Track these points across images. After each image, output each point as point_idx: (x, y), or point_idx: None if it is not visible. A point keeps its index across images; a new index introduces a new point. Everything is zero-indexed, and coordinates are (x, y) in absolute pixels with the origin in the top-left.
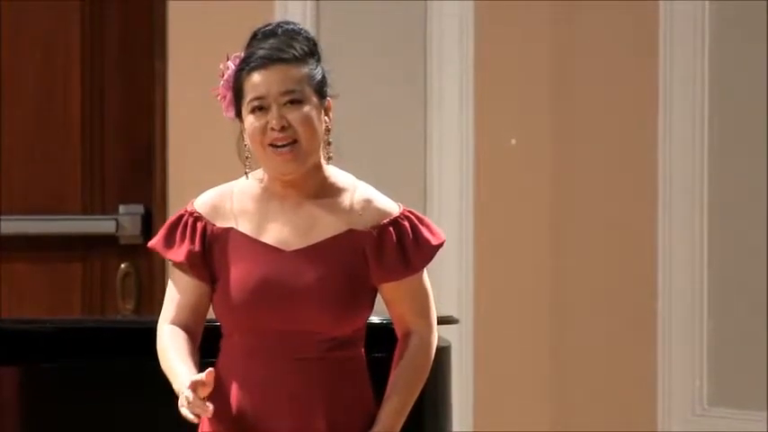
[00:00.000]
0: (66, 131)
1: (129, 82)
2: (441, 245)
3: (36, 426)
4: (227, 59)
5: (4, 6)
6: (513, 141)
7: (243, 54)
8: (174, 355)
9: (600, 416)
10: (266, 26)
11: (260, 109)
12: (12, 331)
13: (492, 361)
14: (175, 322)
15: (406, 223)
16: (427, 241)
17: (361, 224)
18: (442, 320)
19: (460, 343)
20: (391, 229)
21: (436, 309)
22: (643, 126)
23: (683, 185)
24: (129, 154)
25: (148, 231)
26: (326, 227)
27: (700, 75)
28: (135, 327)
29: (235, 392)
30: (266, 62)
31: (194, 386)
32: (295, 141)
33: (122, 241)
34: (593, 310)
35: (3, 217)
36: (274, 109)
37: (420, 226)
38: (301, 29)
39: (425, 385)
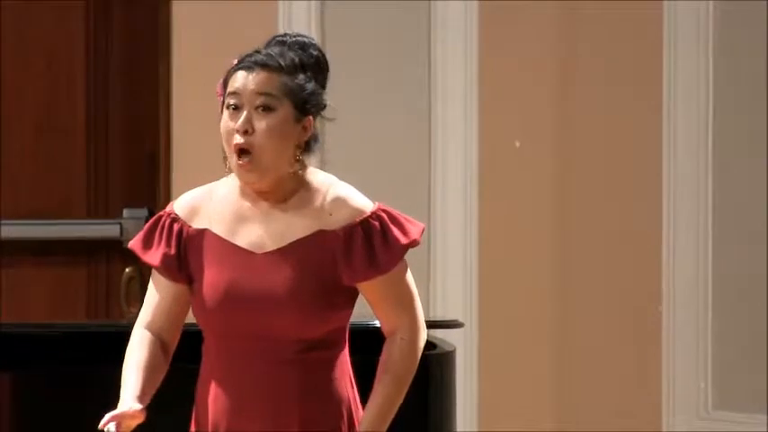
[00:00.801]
0: (70, 136)
1: (134, 87)
2: (411, 244)
3: (40, 430)
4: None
5: (9, 11)
6: (518, 144)
7: None
8: (132, 367)
9: (604, 419)
10: (283, 34)
11: (235, 108)
12: (16, 335)
13: (496, 364)
14: (149, 327)
15: (377, 222)
16: (397, 240)
17: (331, 224)
18: (448, 324)
19: (465, 346)
20: (360, 228)
21: (441, 312)
22: (647, 128)
23: (688, 188)
24: (133, 158)
25: None
26: (297, 229)
27: (704, 76)
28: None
29: (214, 393)
30: (252, 65)
31: (118, 419)
32: (249, 152)
33: (126, 245)
34: (597, 314)
35: (8, 222)
36: (245, 111)
37: (391, 225)
38: (313, 43)
39: (431, 387)
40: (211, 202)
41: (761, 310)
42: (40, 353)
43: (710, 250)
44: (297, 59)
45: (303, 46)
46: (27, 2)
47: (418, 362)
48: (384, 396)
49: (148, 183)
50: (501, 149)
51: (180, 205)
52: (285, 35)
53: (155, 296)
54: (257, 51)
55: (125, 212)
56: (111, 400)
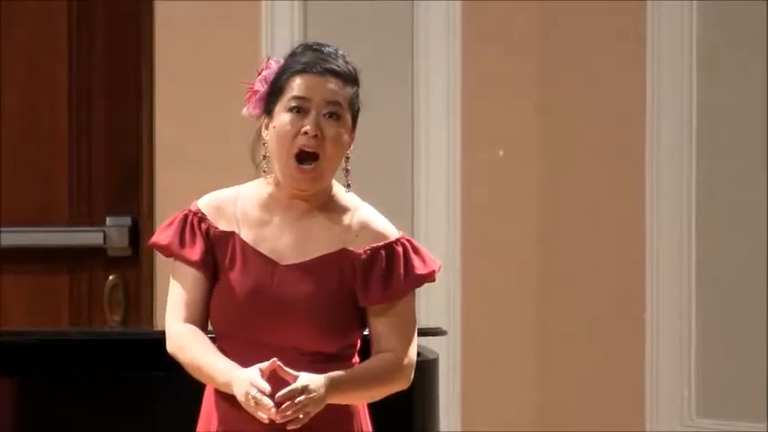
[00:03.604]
0: (53, 143)
1: (117, 93)
2: (429, 275)
3: None
4: (267, 60)
5: None
6: (501, 152)
7: (290, 57)
8: (208, 351)
9: (587, 427)
10: (319, 44)
11: (298, 111)
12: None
13: (479, 372)
14: (188, 321)
15: (400, 249)
16: (416, 270)
17: (355, 245)
18: (431, 332)
19: (448, 354)
20: (383, 252)
21: (424, 320)
22: (631, 135)
23: (671, 195)
24: (116, 165)
25: (136, 243)
26: (322, 244)
27: (687, 80)
28: (123, 338)
29: (224, 396)
30: (319, 69)
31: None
32: (318, 158)
33: (110, 253)
34: (580, 321)
35: None
36: (313, 115)
37: (413, 255)
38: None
39: (414, 395)
40: (236, 205)
41: (746, 319)
42: (22, 361)
43: (694, 258)
44: (354, 72)
45: (344, 57)
46: (8, 5)
47: (392, 388)
48: (350, 377)
49: (132, 190)
50: (484, 158)
51: (205, 205)
52: (322, 45)
53: (184, 293)
54: (313, 54)
55: (108, 220)
56: (95, 407)
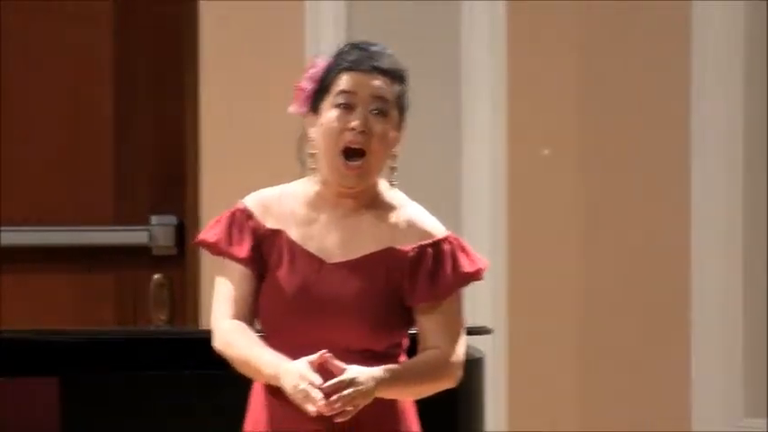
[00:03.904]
0: (98, 142)
1: (162, 92)
2: (476, 273)
3: None
4: (315, 58)
5: (37, 19)
6: (546, 152)
7: (337, 55)
8: (256, 345)
9: (633, 426)
10: (361, 41)
11: (345, 107)
12: (45, 343)
13: (525, 371)
14: (235, 317)
15: (447, 247)
16: (462, 269)
17: (402, 243)
18: (476, 331)
19: (494, 353)
20: (430, 250)
21: (470, 319)
22: (675, 133)
23: (717, 191)
24: (161, 164)
25: (182, 242)
26: (369, 242)
27: (733, 80)
28: (169, 337)
29: (273, 394)
30: (366, 66)
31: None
32: (364, 154)
33: (155, 252)
34: (625, 320)
35: (36, 228)
36: (359, 111)
37: (460, 253)
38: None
39: (459, 395)
40: (281, 204)
41: None
42: (68, 360)
43: (741, 257)
44: (401, 70)
45: (391, 56)
46: (54, 5)
47: (439, 385)
48: (399, 371)
49: (177, 189)
50: (529, 157)
51: (252, 203)
52: (368, 44)
53: (232, 289)
54: (361, 52)
55: (153, 219)
56: (142, 407)
